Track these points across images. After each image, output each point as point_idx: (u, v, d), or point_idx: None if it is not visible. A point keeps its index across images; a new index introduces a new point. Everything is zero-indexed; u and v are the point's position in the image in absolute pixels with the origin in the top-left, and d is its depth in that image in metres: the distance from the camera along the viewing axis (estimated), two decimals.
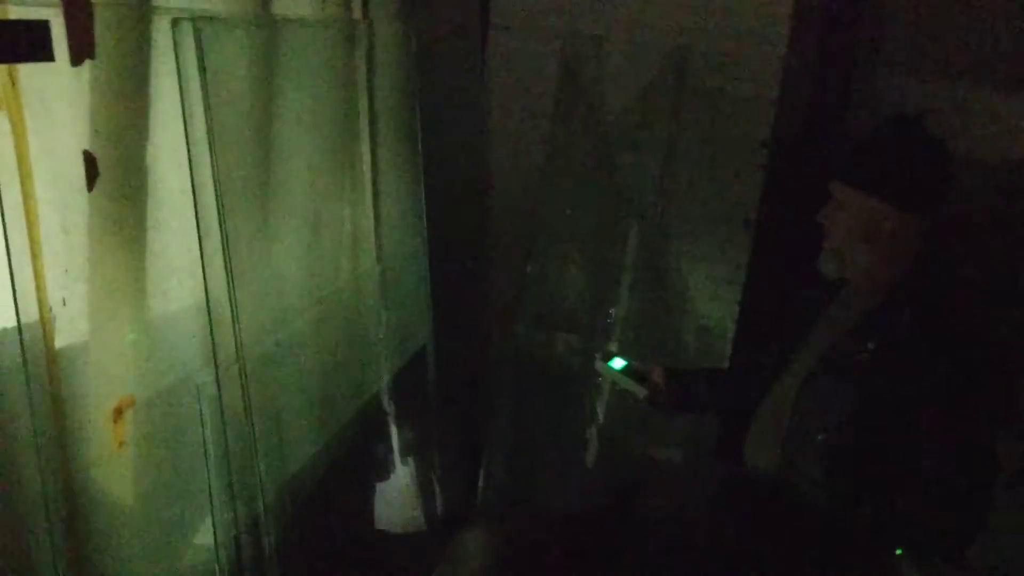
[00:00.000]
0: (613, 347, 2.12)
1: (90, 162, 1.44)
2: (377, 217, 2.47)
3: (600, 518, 1.99)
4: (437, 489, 2.99)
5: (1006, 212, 2.61)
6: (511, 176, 3.14)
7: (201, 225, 1.70)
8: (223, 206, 1.73)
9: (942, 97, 2.65)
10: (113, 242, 1.52)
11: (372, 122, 2.40)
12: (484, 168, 3.12)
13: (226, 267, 1.77)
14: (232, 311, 1.80)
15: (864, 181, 1.67)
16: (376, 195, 2.45)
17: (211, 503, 1.84)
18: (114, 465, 1.56)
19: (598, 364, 2.03)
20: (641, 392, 1.97)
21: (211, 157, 1.70)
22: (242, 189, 1.84)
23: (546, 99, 2.99)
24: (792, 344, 1.86)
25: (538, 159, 3.04)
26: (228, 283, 1.78)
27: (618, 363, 2.00)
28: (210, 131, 1.69)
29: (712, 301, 3.09)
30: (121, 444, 1.56)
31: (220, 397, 1.80)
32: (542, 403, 3.22)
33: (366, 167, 2.41)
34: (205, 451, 1.80)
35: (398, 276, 2.67)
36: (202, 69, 1.65)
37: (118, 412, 1.55)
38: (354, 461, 2.45)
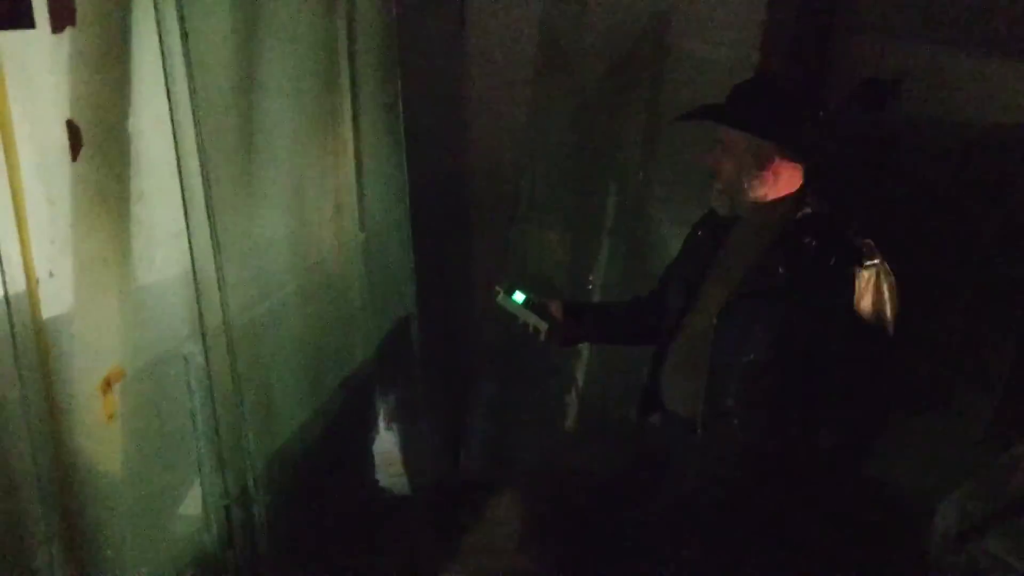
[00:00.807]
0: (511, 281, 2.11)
1: (73, 131, 1.42)
2: (360, 184, 2.46)
3: (632, 480, 2.05)
4: (422, 453, 3.00)
5: (980, 173, 2.63)
6: (492, 141, 3.12)
7: (186, 194, 1.69)
8: (207, 174, 1.72)
9: (920, 60, 2.65)
10: (98, 213, 1.50)
11: (353, 88, 2.38)
12: (465, 134, 3.10)
13: (212, 236, 1.76)
14: (219, 280, 1.80)
15: (744, 122, 1.78)
16: (359, 162, 2.43)
17: (200, 473, 1.85)
18: (104, 438, 1.55)
19: (500, 298, 1.98)
20: (543, 326, 1.98)
21: (195, 125, 1.68)
22: (226, 157, 1.83)
23: (527, 64, 2.97)
24: (694, 282, 1.94)
25: (519, 124, 3.03)
26: (214, 252, 1.77)
27: (519, 297, 1.97)
28: (193, 98, 1.67)
29: None
30: (111, 416, 1.56)
31: (208, 367, 1.80)
32: (524, 369, 3.25)
33: (348, 134, 2.39)
34: (193, 421, 1.81)
35: (382, 243, 2.66)
36: (184, 35, 1.62)
37: (107, 384, 1.54)
38: (342, 427, 2.45)
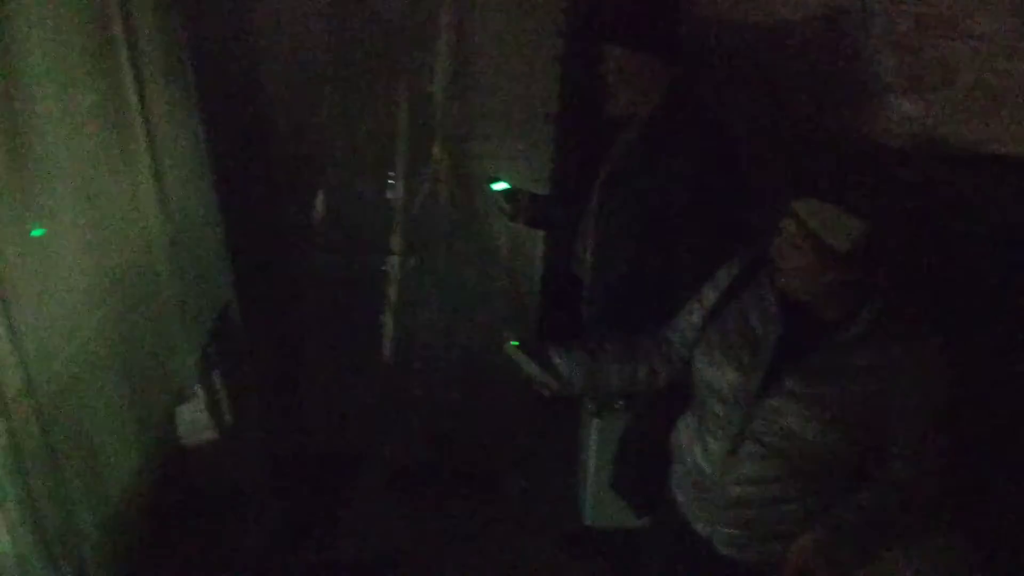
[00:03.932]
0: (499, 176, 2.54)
1: None
2: (159, 175, 1.99)
3: None
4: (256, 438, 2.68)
5: None
6: (291, 92, 2.77)
7: None
8: None
9: None
10: None
11: (136, 73, 1.89)
12: (262, 90, 2.72)
13: None
14: (11, 333, 1.37)
15: (607, 35, 2.10)
16: (154, 150, 1.96)
17: None
18: None
19: (484, 186, 2.52)
20: (507, 208, 2.45)
21: None
22: None
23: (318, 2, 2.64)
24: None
25: (319, 70, 2.72)
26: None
27: (499, 186, 2.47)
28: None
29: None
30: None
31: (14, 449, 1.38)
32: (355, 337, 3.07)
33: (138, 121, 1.91)
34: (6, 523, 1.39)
35: (191, 235, 2.23)
36: None
37: None
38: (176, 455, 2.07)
